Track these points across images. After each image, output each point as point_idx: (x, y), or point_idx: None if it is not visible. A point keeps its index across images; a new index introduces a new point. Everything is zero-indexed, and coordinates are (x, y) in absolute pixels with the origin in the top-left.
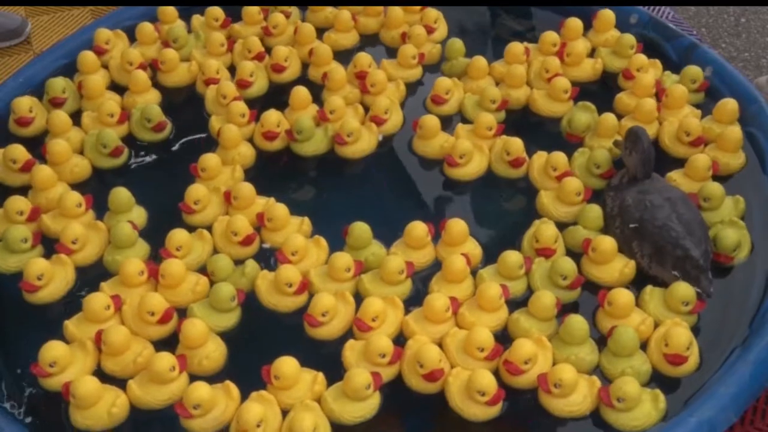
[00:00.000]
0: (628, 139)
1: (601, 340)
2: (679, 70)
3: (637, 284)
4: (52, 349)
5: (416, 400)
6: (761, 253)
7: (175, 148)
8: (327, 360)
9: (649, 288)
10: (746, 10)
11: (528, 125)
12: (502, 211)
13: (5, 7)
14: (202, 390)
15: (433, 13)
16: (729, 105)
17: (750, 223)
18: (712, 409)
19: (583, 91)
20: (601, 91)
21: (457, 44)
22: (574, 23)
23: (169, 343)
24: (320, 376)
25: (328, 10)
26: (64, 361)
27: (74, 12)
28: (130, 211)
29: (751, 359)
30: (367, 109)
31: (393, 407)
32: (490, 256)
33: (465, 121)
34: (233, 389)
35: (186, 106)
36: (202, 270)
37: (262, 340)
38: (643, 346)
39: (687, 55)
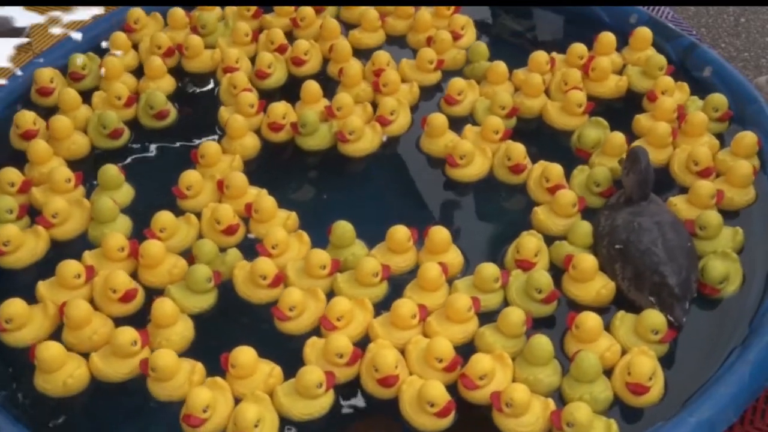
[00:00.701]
0: (627, 159)
1: None
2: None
3: (618, 307)
4: (10, 306)
5: (372, 404)
6: (761, 253)
7: (180, 133)
8: (293, 355)
9: (620, 313)
10: (746, 10)
11: (540, 136)
12: (498, 218)
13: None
14: (166, 358)
15: (461, 19)
16: (747, 138)
17: (751, 224)
18: (711, 409)
19: (608, 109)
20: (626, 110)
21: (481, 48)
22: (607, 38)
23: (136, 322)
24: (276, 369)
25: (362, 8)
26: (20, 320)
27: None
28: (118, 189)
29: (751, 359)
30: (377, 108)
31: (347, 409)
32: (482, 261)
33: (476, 124)
34: (198, 371)
35: (204, 92)
36: (186, 254)
37: (235, 328)
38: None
39: (686, 55)
